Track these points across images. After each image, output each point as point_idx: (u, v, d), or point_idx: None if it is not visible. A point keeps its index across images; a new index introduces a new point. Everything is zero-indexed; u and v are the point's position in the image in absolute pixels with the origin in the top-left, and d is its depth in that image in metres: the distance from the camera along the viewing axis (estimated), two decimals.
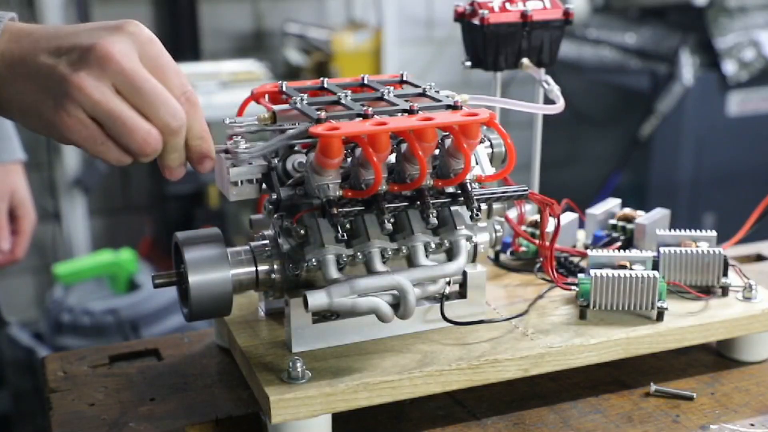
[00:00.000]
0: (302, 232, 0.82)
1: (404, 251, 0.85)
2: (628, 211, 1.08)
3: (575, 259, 1.04)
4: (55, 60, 0.71)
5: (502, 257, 1.05)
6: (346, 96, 0.86)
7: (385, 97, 0.86)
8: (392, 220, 0.82)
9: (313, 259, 0.82)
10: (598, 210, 1.08)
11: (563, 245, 1.02)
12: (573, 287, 0.94)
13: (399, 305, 0.81)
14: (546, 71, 1.04)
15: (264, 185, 0.84)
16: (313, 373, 0.80)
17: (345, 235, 0.80)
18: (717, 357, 0.97)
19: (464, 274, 0.90)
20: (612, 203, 1.10)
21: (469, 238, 0.86)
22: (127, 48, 0.71)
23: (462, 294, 0.91)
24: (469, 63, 1.05)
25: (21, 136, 1.55)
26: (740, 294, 0.95)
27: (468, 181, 0.82)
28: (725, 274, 0.95)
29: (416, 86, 0.91)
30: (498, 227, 0.95)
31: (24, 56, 0.72)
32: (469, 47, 1.04)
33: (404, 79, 0.94)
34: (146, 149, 0.73)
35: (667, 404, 0.89)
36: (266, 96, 0.91)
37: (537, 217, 1.05)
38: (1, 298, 1.73)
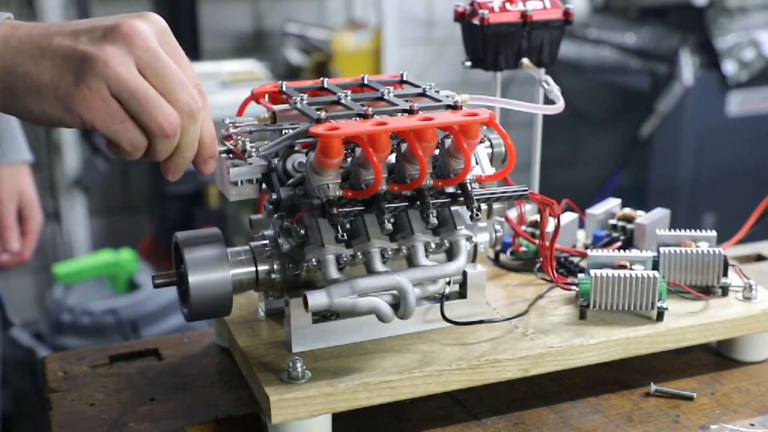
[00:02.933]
0: (302, 232, 0.82)
1: (404, 251, 0.85)
2: (628, 211, 1.08)
3: (575, 259, 1.04)
4: (73, 40, 0.70)
5: (502, 257, 1.05)
6: (346, 96, 0.86)
7: (385, 97, 0.86)
8: (392, 220, 0.82)
9: (313, 259, 0.82)
10: (598, 210, 1.08)
11: (563, 245, 1.02)
12: (573, 287, 0.94)
13: (399, 305, 0.81)
14: (546, 71, 1.04)
15: (264, 185, 0.84)
16: (313, 373, 0.80)
17: (345, 235, 0.80)
18: (717, 357, 0.97)
19: (464, 274, 0.90)
20: (612, 203, 1.10)
21: (469, 238, 0.86)
22: (151, 30, 0.72)
23: (462, 294, 0.91)
24: (469, 63, 1.05)
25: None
26: (740, 294, 0.95)
27: (468, 181, 0.82)
28: (725, 274, 0.95)
29: (416, 86, 0.91)
30: (498, 227, 0.95)
31: (34, 39, 0.71)
32: (469, 47, 1.04)
33: (404, 79, 0.94)
34: (167, 129, 0.71)
35: (667, 404, 0.89)
36: (266, 96, 0.92)
37: (537, 217, 1.05)
38: (6, 299, 1.73)
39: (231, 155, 0.84)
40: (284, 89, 0.90)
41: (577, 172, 3.25)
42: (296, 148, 0.84)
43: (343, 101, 0.85)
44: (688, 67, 2.69)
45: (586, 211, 1.08)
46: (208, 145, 0.77)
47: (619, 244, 1.04)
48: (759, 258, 1.22)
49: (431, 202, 0.81)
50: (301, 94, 0.86)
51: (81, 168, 2.78)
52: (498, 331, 0.88)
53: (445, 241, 0.86)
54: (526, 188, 0.87)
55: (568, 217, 1.06)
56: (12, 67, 0.71)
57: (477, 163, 0.86)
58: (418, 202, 0.81)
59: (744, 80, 2.71)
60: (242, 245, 0.87)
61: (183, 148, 0.74)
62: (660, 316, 0.90)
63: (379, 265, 0.83)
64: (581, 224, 1.09)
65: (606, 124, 3.12)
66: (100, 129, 0.71)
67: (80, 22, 0.72)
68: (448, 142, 0.81)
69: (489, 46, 1.02)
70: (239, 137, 0.85)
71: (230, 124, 0.87)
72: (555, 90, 1.00)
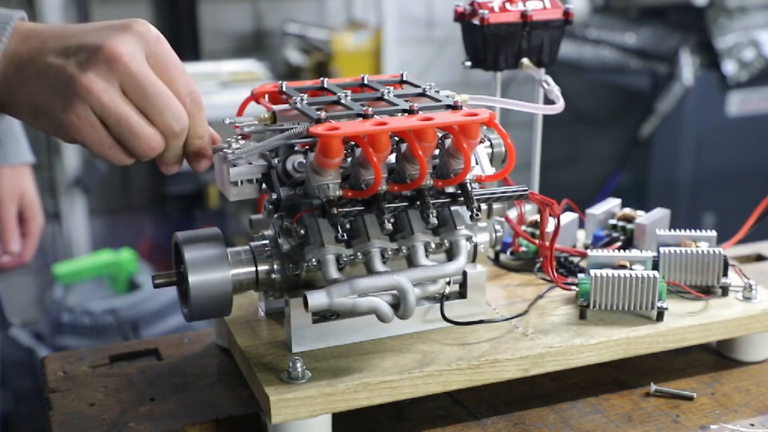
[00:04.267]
0: (302, 232, 0.82)
1: (404, 251, 0.85)
2: (628, 211, 1.08)
3: (575, 259, 1.04)
4: (64, 60, 0.71)
5: (502, 257, 1.05)
6: (346, 96, 0.86)
7: (385, 97, 0.86)
8: (392, 220, 0.82)
9: (313, 259, 0.82)
10: (598, 210, 1.08)
11: (563, 245, 1.02)
12: (573, 287, 0.94)
13: (399, 305, 0.81)
14: (546, 71, 1.04)
15: (264, 185, 0.84)
16: (313, 373, 0.80)
17: (345, 235, 0.80)
18: (717, 357, 0.97)
19: (464, 274, 0.90)
20: (612, 203, 1.10)
21: (469, 238, 0.86)
22: (135, 48, 0.72)
23: (462, 294, 0.91)
24: (469, 63, 1.05)
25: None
26: (740, 294, 0.95)
27: (468, 181, 0.82)
28: (725, 274, 0.95)
29: (416, 86, 0.91)
30: (498, 227, 0.95)
31: (32, 57, 0.72)
32: (469, 47, 1.04)
33: (404, 79, 0.94)
34: (150, 153, 0.74)
35: (667, 404, 0.89)
36: (266, 96, 0.91)
37: (537, 217, 1.05)
38: (5, 299, 1.73)
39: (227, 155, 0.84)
40: (284, 89, 0.90)
41: (577, 172, 3.25)
42: (296, 148, 0.83)
43: (343, 101, 0.85)
44: (688, 67, 2.69)
45: (586, 211, 1.08)
46: (198, 149, 0.79)
47: (619, 244, 1.04)
48: (759, 258, 1.22)
49: (431, 202, 0.81)
50: (301, 94, 0.86)
51: (81, 168, 2.78)
52: (498, 331, 0.88)
53: (445, 241, 0.86)
54: (526, 188, 0.87)
55: (568, 217, 1.06)
56: (17, 85, 0.72)
57: (477, 163, 0.86)
58: (418, 202, 0.81)
59: (744, 80, 2.71)
60: (242, 245, 0.87)
61: (165, 154, 0.77)
62: (660, 316, 0.90)
63: (379, 265, 0.83)
64: (581, 224, 1.09)
65: (606, 124, 3.12)
66: (92, 152, 0.73)
67: (73, 33, 0.73)
68: (448, 142, 0.81)
69: (489, 46, 1.02)
70: (238, 137, 0.85)
71: (230, 124, 0.87)
72: (555, 90, 1.00)
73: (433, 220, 0.82)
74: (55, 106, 0.71)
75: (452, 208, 0.86)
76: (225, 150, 0.81)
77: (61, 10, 2.70)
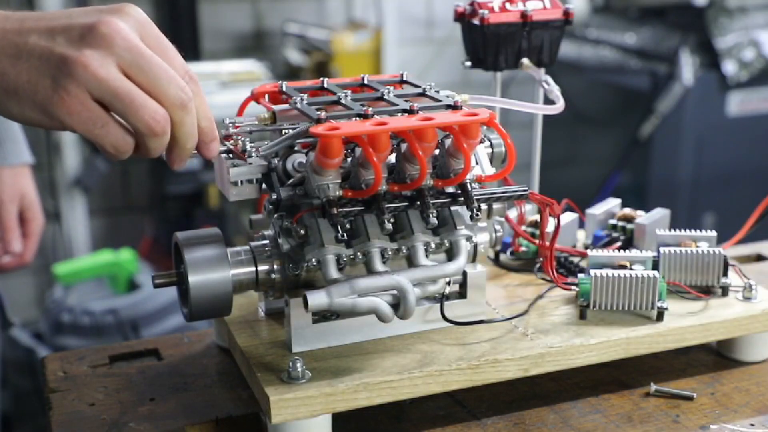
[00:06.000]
0: (302, 232, 0.82)
1: (404, 251, 0.85)
2: (628, 211, 1.08)
3: (575, 259, 1.04)
4: (49, 41, 0.68)
5: (502, 257, 1.05)
6: (346, 96, 0.86)
7: (385, 97, 0.86)
8: (392, 220, 0.82)
9: (313, 259, 0.82)
10: (598, 210, 1.08)
11: (563, 245, 1.02)
12: (573, 287, 0.94)
13: (399, 305, 0.81)
14: (546, 71, 1.04)
15: (264, 185, 0.84)
16: (313, 373, 0.80)
17: (345, 235, 0.80)
18: (717, 357, 0.97)
19: (464, 274, 0.90)
20: (612, 203, 1.10)
21: (469, 238, 0.86)
22: (131, 27, 0.70)
23: (462, 294, 0.91)
24: (469, 63, 1.05)
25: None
26: (740, 294, 0.95)
27: (468, 181, 0.82)
28: (725, 274, 0.95)
29: (416, 86, 0.91)
30: (498, 227, 0.95)
31: (8, 36, 0.68)
32: (469, 47, 1.04)
33: (404, 79, 0.94)
34: (155, 127, 0.69)
35: (667, 404, 0.89)
36: (266, 96, 0.92)
37: (537, 217, 1.05)
38: (6, 299, 1.73)
39: (231, 155, 0.84)
40: (284, 89, 0.90)
41: (577, 172, 3.25)
42: (296, 148, 0.84)
43: (343, 101, 0.85)
44: (688, 67, 2.69)
45: (586, 211, 1.08)
46: (207, 130, 0.75)
47: (619, 244, 1.04)
48: (759, 258, 1.22)
49: (431, 202, 0.81)
50: (301, 94, 0.86)
51: (81, 168, 2.78)
52: (498, 331, 0.88)
53: (445, 241, 0.86)
54: (526, 188, 0.87)
55: (568, 217, 1.06)
56: None
57: (477, 163, 0.87)
58: (418, 202, 0.81)
59: (744, 80, 2.71)
60: (242, 245, 0.87)
61: (183, 139, 0.73)
62: (660, 316, 0.90)
63: (379, 265, 0.83)
64: (581, 224, 1.09)
65: (606, 124, 3.12)
66: (82, 133, 0.69)
67: (55, 16, 0.70)
68: (448, 142, 0.81)
69: (489, 46, 1.02)
70: (239, 137, 0.85)
71: (230, 124, 0.87)
72: (555, 90, 1.00)
73: (433, 220, 0.82)
74: (41, 86, 0.67)
75: (452, 208, 0.86)
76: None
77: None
